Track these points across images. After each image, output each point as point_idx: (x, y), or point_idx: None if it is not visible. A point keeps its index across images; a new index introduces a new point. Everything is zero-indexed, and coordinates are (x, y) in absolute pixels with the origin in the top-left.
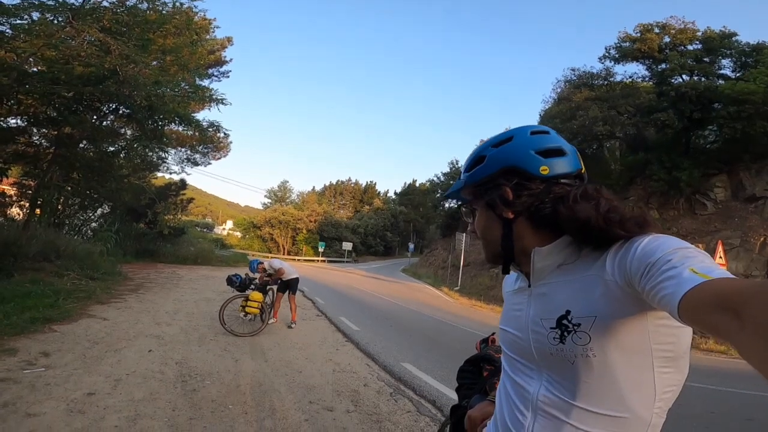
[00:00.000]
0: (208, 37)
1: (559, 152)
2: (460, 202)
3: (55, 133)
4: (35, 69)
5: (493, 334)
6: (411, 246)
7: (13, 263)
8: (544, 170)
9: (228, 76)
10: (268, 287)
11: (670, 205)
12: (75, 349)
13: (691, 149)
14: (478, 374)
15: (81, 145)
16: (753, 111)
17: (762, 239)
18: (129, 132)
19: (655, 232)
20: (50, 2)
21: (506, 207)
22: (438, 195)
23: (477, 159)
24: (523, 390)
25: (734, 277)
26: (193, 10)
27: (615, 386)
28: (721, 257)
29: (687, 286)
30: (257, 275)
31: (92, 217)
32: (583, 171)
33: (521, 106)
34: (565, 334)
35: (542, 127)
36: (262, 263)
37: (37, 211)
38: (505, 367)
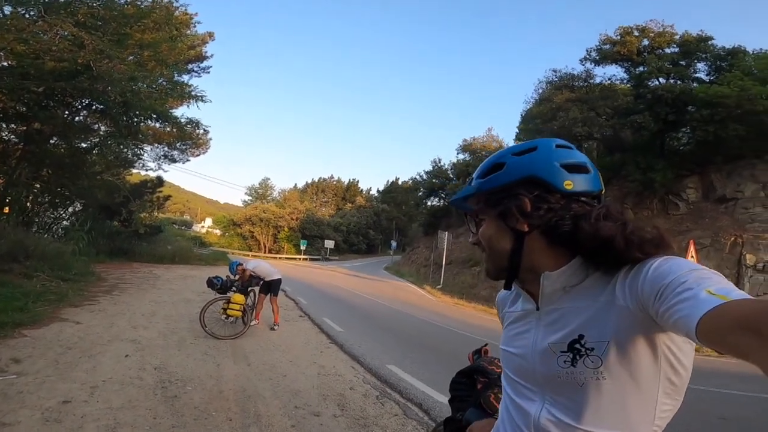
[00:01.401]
0: (188, 32)
1: (583, 169)
2: (465, 211)
3: (24, 128)
4: (5, 63)
5: (486, 345)
6: (393, 244)
7: None
8: (568, 185)
9: (208, 72)
10: (250, 289)
11: (644, 205)
12: (47, 355)
13: (666, 151)
14: (472, 386)
15: (51, 142)
16: (726, 114)
17: (732, 239)
18: (103, 128)
19: (670, 254)
20: None
21: (523, 218)
22: (420, 193)
23: (495, 165)
24: (524, 412)
25: (752, 297)
26: (174, 4)
27: (621, 408)
28: (692, 256)
29: (705, 307)
30: (237, 277)
31: (63, 215)
32: (603, 192)
33: (503, 107)
34: (577, 357)
35: (566, 142)
36: (242, 264)
37: (5, 209)
38: (505, 387)
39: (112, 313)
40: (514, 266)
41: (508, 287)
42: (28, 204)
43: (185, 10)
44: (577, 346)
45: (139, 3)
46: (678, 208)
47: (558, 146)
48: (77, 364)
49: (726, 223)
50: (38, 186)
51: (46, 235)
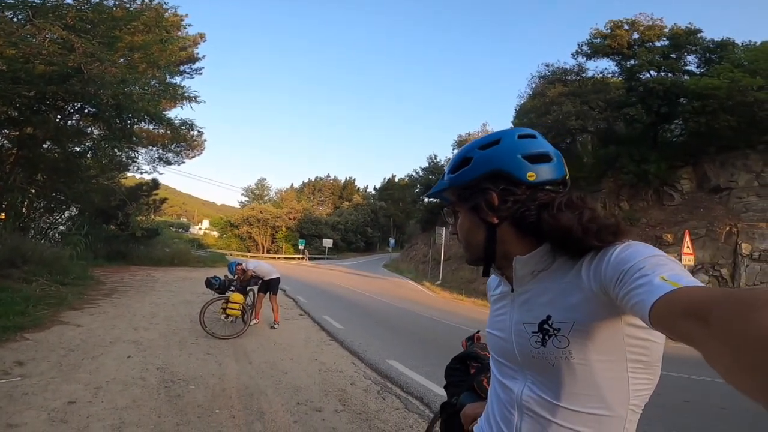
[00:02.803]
0: (179, 33)
1: (545, 158)
2: (442, 203)
3: (17, 133)
4: None
5: (478, 331)
6: (392, 241)
7: None
8: (531, 176)
9: (201, 73)
10: (249, 288)
11: (639, 196)
12: (50, 357)
13: (659, 143)
14: (466, 372)
15: (45, 146)
16: (717, 105)
17: (727, 228)
18: (96, 131)
19: (629, 239)
20: (10, 0)
21: (491, 212)
22: (417, 190)
23: (463, 160)
24: (509, 390)
25: (703, 285)
26: (164, 6)
27: (593, 386)
28: (688, 247)
29: (658, 293)
30: (236, 277)
31: (59, 220)
32: (567, 177)
33: (497, 102)
34: (546, 337)
35: (529, 130)
36: (241, 264)
37: (1, 215)
38: (492, 368)
39: (113, 315)
40: (489, 255)
41: (486, 274)
42: (24, 209)
43: (175, 11)
44: (546, 326)
45: (128, 5)
46: (673, 199)
47: (520, 136)
48: (80, 365)
49: (721, 213)
50: (33, 191)
51: (43, 240)
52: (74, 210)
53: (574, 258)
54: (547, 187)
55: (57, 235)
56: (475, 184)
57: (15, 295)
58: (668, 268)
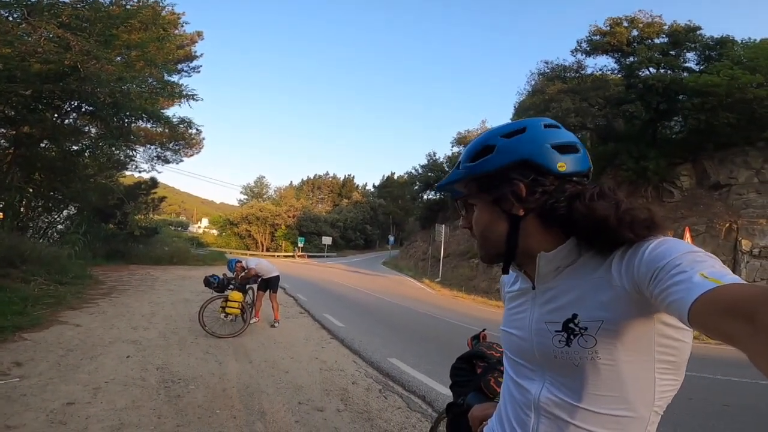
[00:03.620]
0: (176, 31)
1: (573, 148)
2: (454, 196)
3: (14, 132)
4: None
5: (484, 330)
6: (391, 239)
7: None
8: (562, 167)
9: (198, 71)
10: (248, 286)
11: (638, 193)
12: (49, 358)
13: (658, 139)
14: (472, 371)
15: (42, 145)
16: (716, 103)
17: (727, 225)
18: (94, 130)
19: (664, 235)
20: None
21: (518, 203)
22: (416, 187)
23: (484, 148)
24: (525, 391)
25: (746, 282)
26: (160, 4)
27: (618, 387)
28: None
29: (698, 291)
30: (235, 274)
31: (58, 219)
32: (591, 170)
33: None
34: (572, 337)
35: (553, 120)
36: (241, 262)
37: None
38: (507, 368)
39: (112, 315)
40: (511, 250)
41: (506, 271)
42: (22, 209)
43: (172, 9)
44: (571, 325)
45: (124, 3)
46: (672, 196)
47: (546, 126)
48: (79, 366)
49: (720, 210)
50: (31, 190)
51: (41, 240)
52: (72, 209)
53: (602, 253)
54: (575, 179)
55: (55, 234)
56: (500, 174)
57: (13, 295)
58: (708, 264)
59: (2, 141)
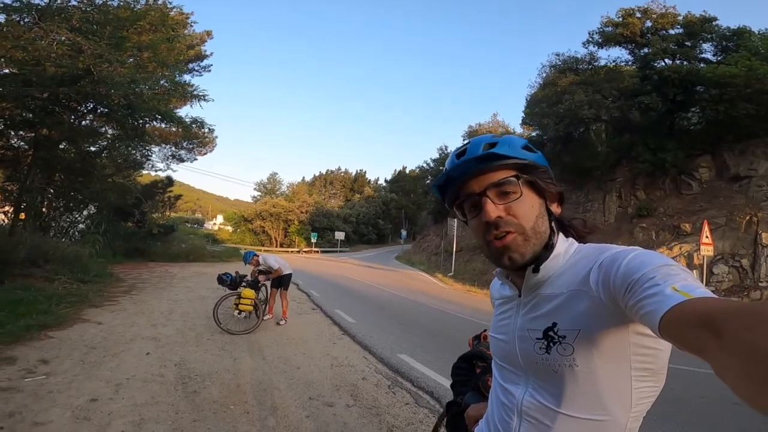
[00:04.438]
0: (186, 32)
1: None
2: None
3: (33, 135)
4: (6, 71)
5: (485, 330)
6: (404, 233)
7: (1, 270)
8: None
9: (209, 71)
10: (261, 284)
11: (656, 185)
12: (73, 355)
13: (675, 131)
14: (472, 371)
15: (61, 147)
16: (735, 94)
17: (747, 218)
18: (110, 131)
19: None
20: (15, 3)
21: (559, 204)
22: (428, 181)
23: (527, 146)
24: (510, 395)
25: (715, 296)
26: (168, 5)
27: (596, 393)
28: (707, 237)
29: (669, 304)
30: (250, 267)
31: (78, 218)
32: None
33: (508, 92)
34: (551, 344)
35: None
36: (257, 255)
37: (22, 215)
38: (494, 372)
39: (132, 312)
40: (549, 249)
41: (536, 270)
42: (44, 209)
43: (180, 10)
44: (551, 333)
45: (132, 5)
46: (691, 188)
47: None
48: (102, 363)
49: (740, 202)
50: (52, 191)
51: (63, 239)
52: (92, 208)
53: (581, 265)
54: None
55: (76, 233)
56: (548, 173)
57: (38, 294)
58: (680, 278)
59: (22, 144)
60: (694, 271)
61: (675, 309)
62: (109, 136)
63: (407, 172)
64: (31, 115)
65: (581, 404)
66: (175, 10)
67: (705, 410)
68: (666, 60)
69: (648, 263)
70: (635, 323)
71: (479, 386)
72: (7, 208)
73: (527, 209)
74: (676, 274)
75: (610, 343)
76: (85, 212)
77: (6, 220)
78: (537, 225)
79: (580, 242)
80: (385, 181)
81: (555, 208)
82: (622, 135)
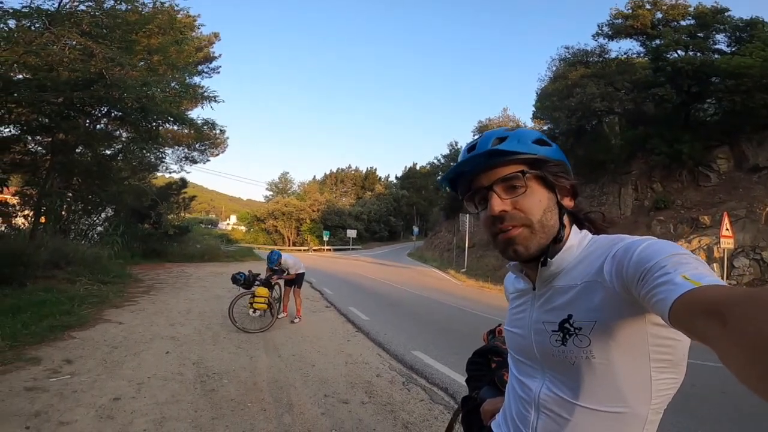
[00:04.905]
0: (193, 34)
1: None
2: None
3: (50, 140)
4: (20, 76)
5: (500, 325)
6: (415, 229)
7: (24, 272)
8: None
9: (218, 72)
10: (274, 282)
11: (673, 177)
12: (95, 355)
13: (692, 122)
14: (487, 366)
15: (77, 151)
16: (751, 84)
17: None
18: (124, 134)
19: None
20: (24, 9)
21: (571, 197)
22: (439, 177)
23: (540, 139)
24: (527, 388)
25: (724, 284)
26: (175, 8)
27: (614, 385)
28: (727, 229)
29: (678, 292)
30: (281, 270)
31: (97, 221)
32: None
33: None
34: (567, 336)
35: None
36: (281, 257)
37: (42, 219)
38: (511, 367)
39: (151, 312)
40: (558, 242)
41: (545, 264)
42: (63, 213)
43: (187, 12)
44: (567, 325)
45: (140, 9)
46: (709, 180)
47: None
48: (123, 362)
49: (761, 193)
50: (70, 194)
51: (83, 242)
52: (110, 211)
53: (595, 255)
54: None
55: (95, 235)
56: (559, 165)
57: (60, 295)
58: (691, 266)
59: (39, 148)
60: (715, 264)
61: (684, 297)
62: (123, 139)
63: (418, 168)
64: (47, 120)
65: (599, 396)
66: (182, 12)
67: (722, 403)
68: (679, 51)
69: (660, 252)
70: (651, 314)
71: (495, 381)
72: (27, 212)
73: (534, 203)
74: (686, 263)
75: (627, 334)
76: (102, 215)
77: (27, 224)
78: (545, 219)
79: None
80: (396, 178)
81: (567, 202)
82: (636, 127)
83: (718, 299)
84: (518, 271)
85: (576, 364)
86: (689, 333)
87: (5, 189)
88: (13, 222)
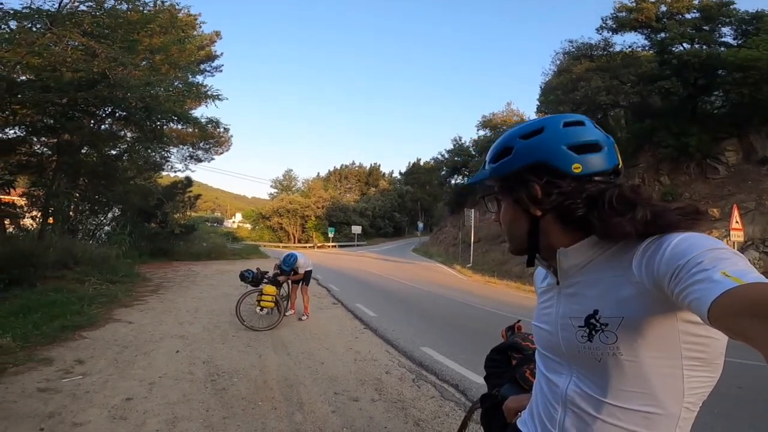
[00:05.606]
0: (195, 33)
1: (594, 147)
2: (484, 190)
3: (55, 140)
4: (24, 77)
5: (519, 321)
6: (420, 225)
7: (33, 273)
8: (577, 168)
9: (221, 71)
10: (282, 281)
11: (681, 170)
12: (107, 355)
13: (699, 115)
14: (507, 363)
15: (83, 151)
16: (759, 77)
17: None
18: (129, 134)
19: (701, 230)
20: (25, 10)
21: (534, 204)
22: (443, 173)
23: (503, 150)
24: (553, 385)
25: None
26: (176, 7)
27: (643, 383)
28: (737, 222)
29: (718, 290)
30: (292, 273)
31: (104, 221)
32: (620, 166)
33: (521, 80)
34: (593, 332)
35: (577, 116)
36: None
37: (50, 219)
38: (538, 363)
39: (160, 311)
40: (533, 247)
41: (530, 264)
42: (71, 213)
43: (188, 11)
44: (593, 321)
45: (141, 9)
46: (718, 172)
47: (566, 124)
48: (134, 362)
49: None
50: (77, 195)
51: (91, 241)
52: (116, 211)
53: (624, 249)
54: (597, 178)
55: (103, 235)
56: (517, 176)
57: (70, 295)
58: (731, 262)
59: (45, 149)
60: None
61: (725, 295)
62: (128, 139)
63: (422, 164)
64: (52, 120)
65: (628, 394)
66: (183, 11)
67: (739, 398)
68: (684, 44)
69: (696, 247)
70: (683, 310)
71: (516, 378)
72: (35, 213)
73: (503, 215)
74: (726, 258)
75: (657, 331)
76: (109, 215)
77: (35, 225)
78: (511, 229)
79: None
80: (400, 173)
81: (533, 210)
82: (642, 120)
83: (764, 298)
84: (545, 265)
85: (602, 361)
86: (731, 333)
87: (12, 190)
88: (22, 223)
